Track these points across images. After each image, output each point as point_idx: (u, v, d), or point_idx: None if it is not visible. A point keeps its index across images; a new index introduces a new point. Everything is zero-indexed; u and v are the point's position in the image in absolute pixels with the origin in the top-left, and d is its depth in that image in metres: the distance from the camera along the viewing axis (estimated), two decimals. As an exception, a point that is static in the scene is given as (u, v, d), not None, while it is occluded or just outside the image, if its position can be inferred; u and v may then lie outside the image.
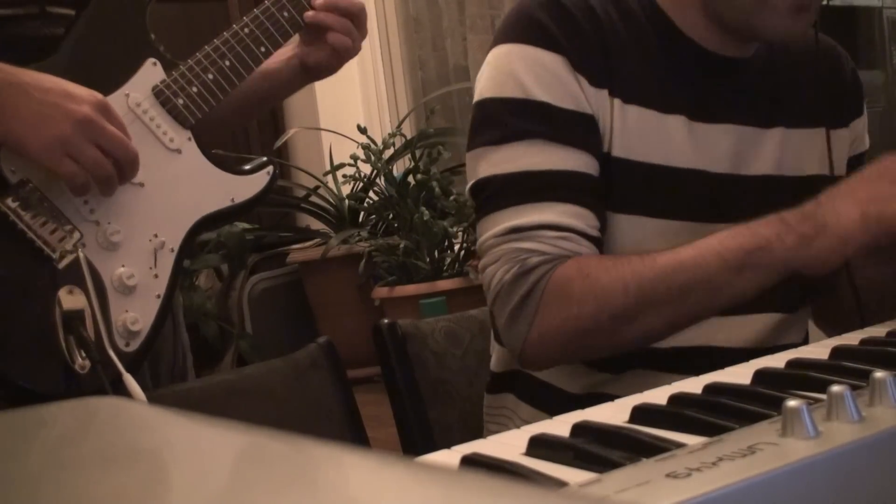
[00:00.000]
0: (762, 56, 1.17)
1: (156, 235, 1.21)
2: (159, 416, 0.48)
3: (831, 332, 1.22)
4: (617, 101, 1.07)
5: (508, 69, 1.06)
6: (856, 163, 1.25)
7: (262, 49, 1.28)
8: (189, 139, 1.25)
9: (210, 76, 1.25)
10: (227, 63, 1.26)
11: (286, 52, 1.36)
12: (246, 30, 1.27)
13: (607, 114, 1.07)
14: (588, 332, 1.01)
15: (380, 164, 4.05)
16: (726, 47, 1.13)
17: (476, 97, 1.10)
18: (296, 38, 1.34)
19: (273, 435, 0.39)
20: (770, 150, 1.15)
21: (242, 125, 1.52)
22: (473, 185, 1.09)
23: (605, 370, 1.11)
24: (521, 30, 1.07)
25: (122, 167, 1.15)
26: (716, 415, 0.64)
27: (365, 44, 1.41)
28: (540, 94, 1.05)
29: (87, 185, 1.13)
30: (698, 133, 1.11)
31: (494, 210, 1.05)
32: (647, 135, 1.08)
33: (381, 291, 3.83)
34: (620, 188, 1.07)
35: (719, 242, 0.98)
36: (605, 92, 1.07)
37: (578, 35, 1.06)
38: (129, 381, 1.12)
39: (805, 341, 1.22)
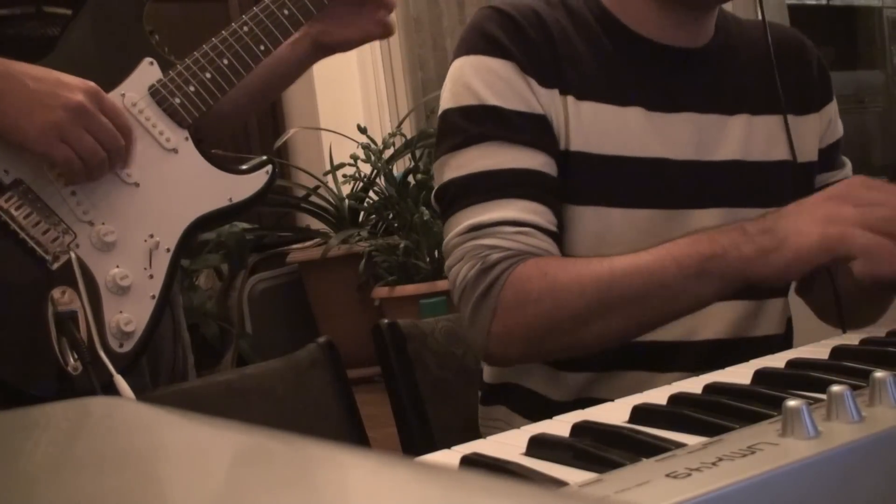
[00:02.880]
0: (721, 46, 1.20)
1: (151, 236, 1.20)
2: (157, 416, 0.48)
3: (811, 303, 1.22)
4: (570, 99, 1.10)
5: (463, 80, 1.11)
6: (832, 152, 1.27)
7: (262, 47, 1.27)
8: (186, 139, 1.24)
9: (208, 75, 1.24)
10: (226, 62, 1.25)
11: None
12: (245, 28, 1.26)
13: (560, 112, 1.10)
14: (546, 330, 1.03)
15: (380, 164, 4.05)
16: (677, 38, 1.16)
17: (439, 111, 1.14)
18: None
19: (273, 435, 0.39)
20: (735, 137, 1.17)
21: (246, 119, 1.51)
22: (436, 191, 1.12)
23: (587, 370, 1.13)
24: (472, 42, 1.12)
25: (112, 157, 1.15)
26: (716, 415, 0.64)
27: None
28: (492, 99, 1.09)
29: (81, 172, 1.13)
30: (658, 123, 1.13)
31: (456, 211, 1.08)
32: (605, 128, 1.11)
33: (381, 291, 3.83)
34: (582, 181, 1.10)
35: (678, 248, 0.98)
36: (555, 91, 1.10)
37: (526, 41, 1.10)
38: (120, 382, 1.11)
39: (788, 332, 1.23)
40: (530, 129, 1.09)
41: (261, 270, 4.27)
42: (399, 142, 4.22)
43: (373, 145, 4.06)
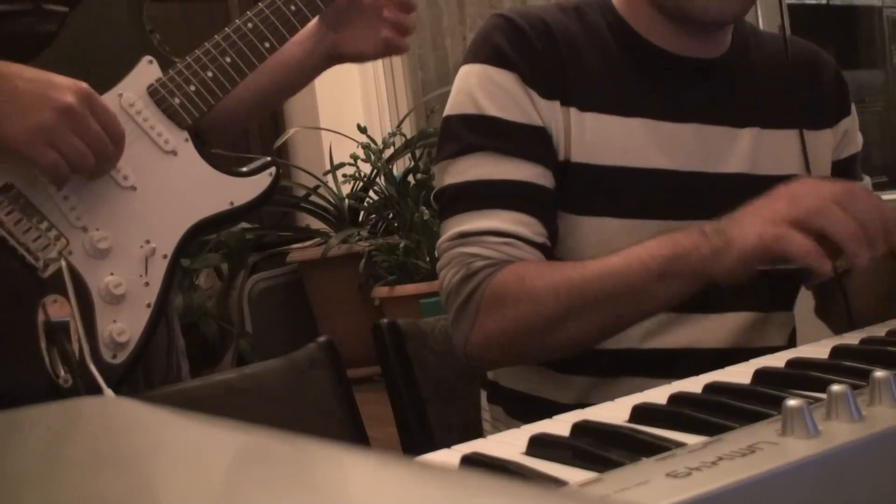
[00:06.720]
0: (736, 57, 1.20)
1: (147, 241, 1.16)
2: (156, 416, 0.48)
3: (830, 324, 1.23)
4: (573, 110, 1.11)
5: (466, 88, 1.13)
6: (847, 165, 1.26)
7: (267, 45, 1.22)
8: (186, 140, 1.20)
9: (209, 74, 1.20)
10: (228, 60, 1.20)
11: (306, 41, 1.33)
12: (249, 24, 1.22)
13: (560, 123, 1.11)
14: (523, 333, 1.04)
15: (380, 164, 4.05)
16: (690, 48, 1.16)
17: (444, 115, 1.16)
18: (313, 24, 1.31)
19: (273, 435, 0.39)
20: (743, 149, 1.17)
21: (251, 121, 1.47)
22: (434, 195, 1.15)
23: (588, 374, 1.13)
24: (479, 51, 1.13)
25: (101, 161, 1.11)
26: (716, 414, 0.64)
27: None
28: (491, 109, 1.10)
29: (67, 176, 1.09)
30: (664, 133, 1.13)
31: (449, 216, 1.11)
32: (608, 139, 1.11)
33: (381, 291, 3.83)
34: (584, 192, 1.11)
35: (644, 250, 1.00)
36: (556, 103, 1.11)
37: (530, 52, 1.11)
38: (110, 396, 1.08)
39: (791, 344, 1.22)
40: (527, 141, 1.10)
41: (261, 270, 4.28)
42: (399, 141, 4.22)
43: (373, 145, 4.06)
